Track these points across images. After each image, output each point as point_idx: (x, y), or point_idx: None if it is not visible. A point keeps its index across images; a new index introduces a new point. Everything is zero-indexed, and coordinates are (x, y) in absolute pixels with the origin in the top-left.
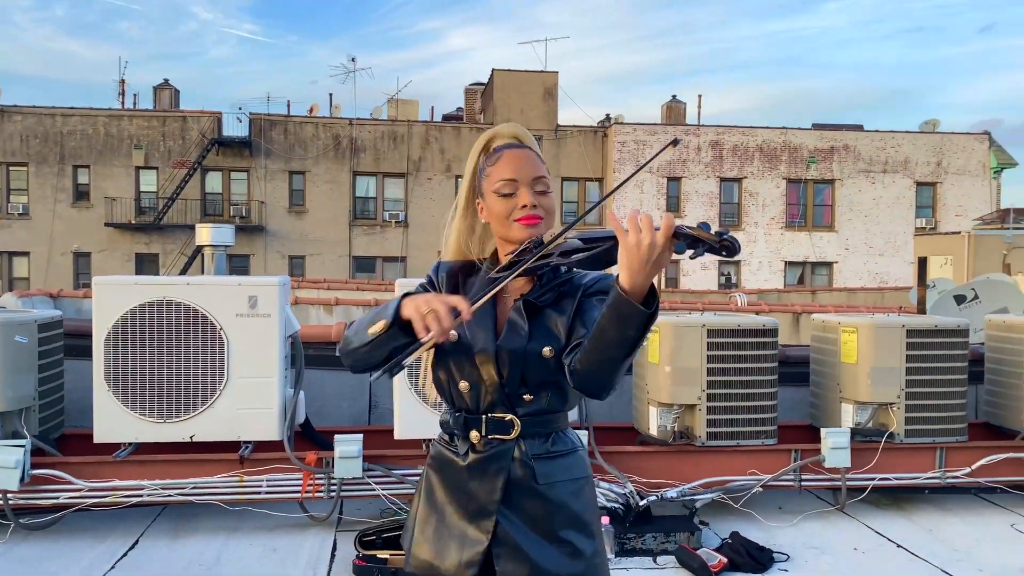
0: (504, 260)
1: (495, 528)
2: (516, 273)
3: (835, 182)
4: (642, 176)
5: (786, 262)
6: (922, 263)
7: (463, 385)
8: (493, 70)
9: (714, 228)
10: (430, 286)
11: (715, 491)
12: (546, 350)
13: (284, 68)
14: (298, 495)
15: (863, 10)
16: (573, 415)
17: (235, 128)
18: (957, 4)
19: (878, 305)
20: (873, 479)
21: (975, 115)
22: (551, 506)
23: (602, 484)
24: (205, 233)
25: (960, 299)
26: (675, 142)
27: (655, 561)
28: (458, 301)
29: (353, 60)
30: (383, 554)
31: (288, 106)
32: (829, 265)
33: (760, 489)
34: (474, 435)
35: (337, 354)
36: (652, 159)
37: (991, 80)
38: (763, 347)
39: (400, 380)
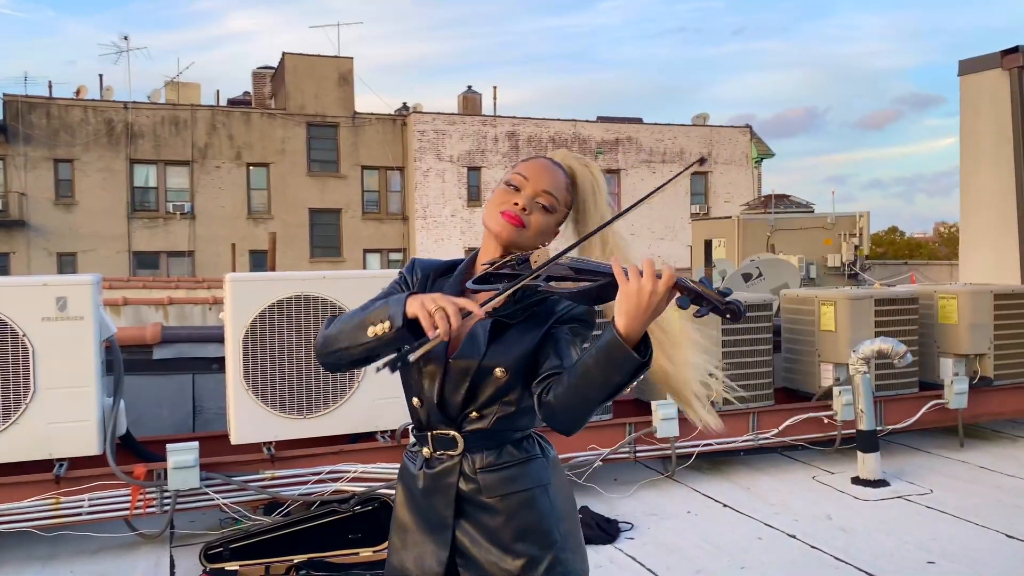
0: (481, 269)
1: (453, 540)
2: (513, 288)
3: (620, 172)
4: (443, 166)
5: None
6: (708, 245)
7: (415, 401)
8: (284, 53)
9: (715, 286)
10: (404, 284)
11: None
12: (499, 370)
13: (40, 46)
14: (126, 512)
15: (635, 8)
16: None
17: None
18: (714, 7)
19: None
20: (698, 446)
21: (733, 110)
22: (502, 518)
23: None
24: None
25: (747, 277)
26: (702, 161)
27: None
28: (467, 303)
29: (126, 39)
30: (232, 566)
31: (50, 87)
32: None
33: (600, 463)
34: (426, 450)
35: (314, 353)
36: (680, 175)
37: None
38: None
39: (234, 381)
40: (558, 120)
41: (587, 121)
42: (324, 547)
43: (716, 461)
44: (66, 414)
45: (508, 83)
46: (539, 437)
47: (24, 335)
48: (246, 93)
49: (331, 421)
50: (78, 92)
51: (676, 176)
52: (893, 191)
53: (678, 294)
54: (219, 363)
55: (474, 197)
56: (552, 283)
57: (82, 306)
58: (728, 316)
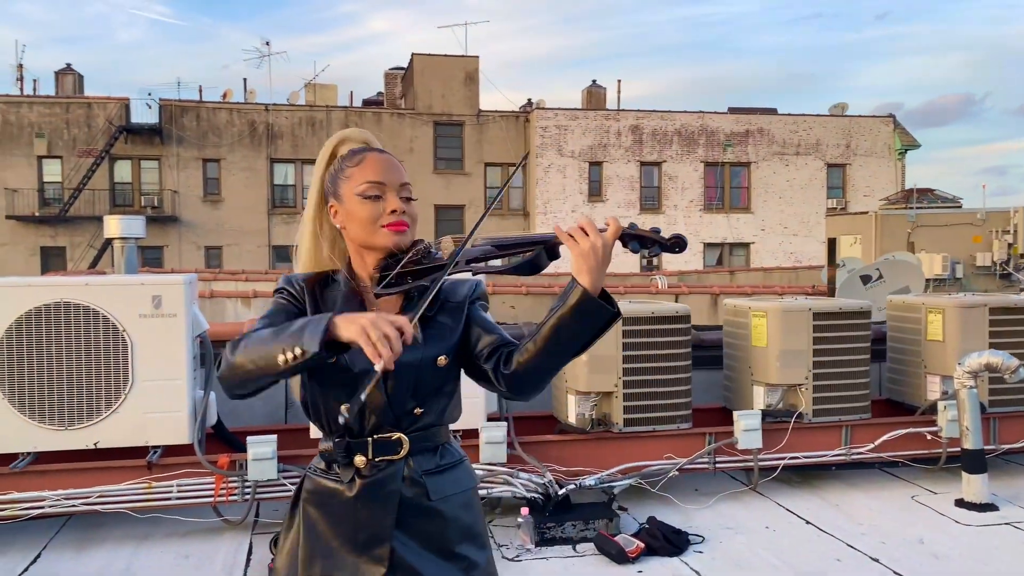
0: (367, 270)
1: (392, 554)
2: (443, 280)
3: (751, 165)
4: (565, 161)
5: (705, 243)
6: (831, 243)
7: (344, 407)
8: (413, 54)
9: (659, 231)
10: (292, 299)
11: (632, 477)
12: (441, 359)
13: (196, 52)
14: (211, 499)
15: None
16: (493, 406)
17: (144, 115)
18: None
19: (792, 284)
20: (784, 458)
21: (876, 99)
22: (444, 521)
23: (521, 475)
24: (114, 225)
25: (866, 279)
26: (524, 157)
27: (575, 549)
28: (402, 322)
29: (268, 44)
30: None
31: (200, 91)
32: (747, 246)
33: (676, 473)
34: (359, 460)
35: (218, 377)
36: (512, 174)
37: (889, 65)
38: (676, 333)
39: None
40: (684, 112)
41: (716, 112)
42: None
43: (807, 475)
44: (160, 404)
45: (637, 76)
46: (456, 442)
47: (124, 330)
48: (379, 94)
49: (95, 433)
50: (225, 96)
51: (508, 179)
52: None
53: (625, 245)
54: None
55: (595, 192)
56: (475, 265)
57: (175, 304)
58: (676, 249)
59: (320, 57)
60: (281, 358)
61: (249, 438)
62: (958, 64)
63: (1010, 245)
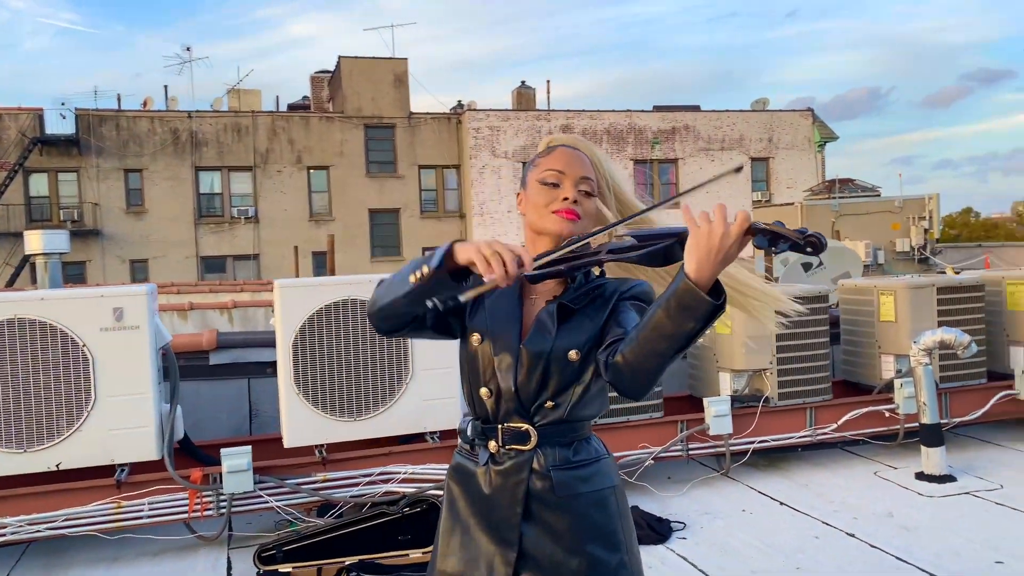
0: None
1: (520, 541)
2: (577, 263)
3: (678, 161)
4: (499, 162)
5: None
6: None
7: (483, 391)
8: (340, 57)
9: (790, 227)
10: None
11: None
12: (572, 352)
13: (111, 60)
14: (184, 515)
15: None
16: None
17: (59, 125)
18: None
19: None
20: (753, 442)
21: (790, 94)
22: (572, 519)
23: None
24: (36, 241)
25: (807, 266)
26: (739, 169)
27: None
28: (521, 251)
29: (188, 50)
30: (285, 568)
31: (119, 100)
32: None
33: (652, 461)
34: (492, 445)
35: (367, 315)
36: (717, 178)
37: (803, 61)
38: None
39: (285, 385)
40: (612, 111)
41: (643, 111)
42: (374, 549)
43: (773, 458)
44: (126, 421)
45: (564, 77)
46: (598, 440)
47: (84, 345)
48: (305, 98)
49: (380, 423)
50: (145, 104)
51: (711, 180)
52: (965, 171)
53: (751, 238)
54: (274, 367)
55: None
56: (615, 255)
57: (138, 316)
58: (809, 250)
59: (241, 63)
60: (412, 277)
61: (223, 450)
62: (865, 59)
63: (926, 231)
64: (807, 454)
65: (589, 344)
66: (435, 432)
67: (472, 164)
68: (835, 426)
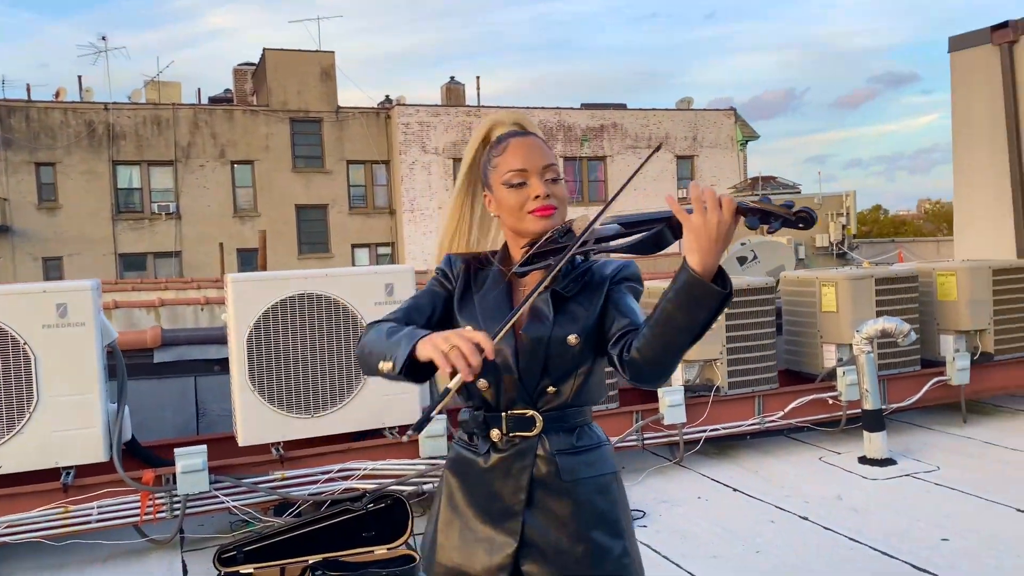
0: (520, 253)
1: (522, 529)
2: (557, 265)
3: (606, 158)
4: (429, 158)
5: None
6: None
7: (482, 383)
8: (264, 50)
9: (776, 202)
10: (445, 280)
11: None
12: (571, 337)
13: (18, 49)
14: (135, 518)
15: None
16: (427, 400)
17: None
18: None
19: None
20: (705, 431)
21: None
22: (576, 505)
23: None
24: None
25: (742, 260)
26: (658, 148)
27: None
28: (481, 338)
29: (104, 39)
30: (246, 569)
31: (28, 90)
32: None
33: None
34: (495, 433)
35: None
36: (644, 163)
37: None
38: None
39: (239, 382)
40: (542, 108)
41: (572, 108)
42: (338, 546)
43: (723, 446)
44: (71, 422)
45: (492, 73)
46: (599, 427)
47: (25, 343)
48: (227, 91)
49: (339, 419)
50: (57, 94)
51: (641, 164)
52: (873, 170)
53: (742, 218)
54: (221, 364)
55: None
56: (603, 244)
57: (83, 312)
58: (801, 225)
59: (161, 54)
60: (382, 365)
61: (177, 450)
62: (780, 61)
63: (844, 227)
64: (755, 441)
65: (589, 329)
66: (394, 427)
67: (402, 160)
68: (782, 414)
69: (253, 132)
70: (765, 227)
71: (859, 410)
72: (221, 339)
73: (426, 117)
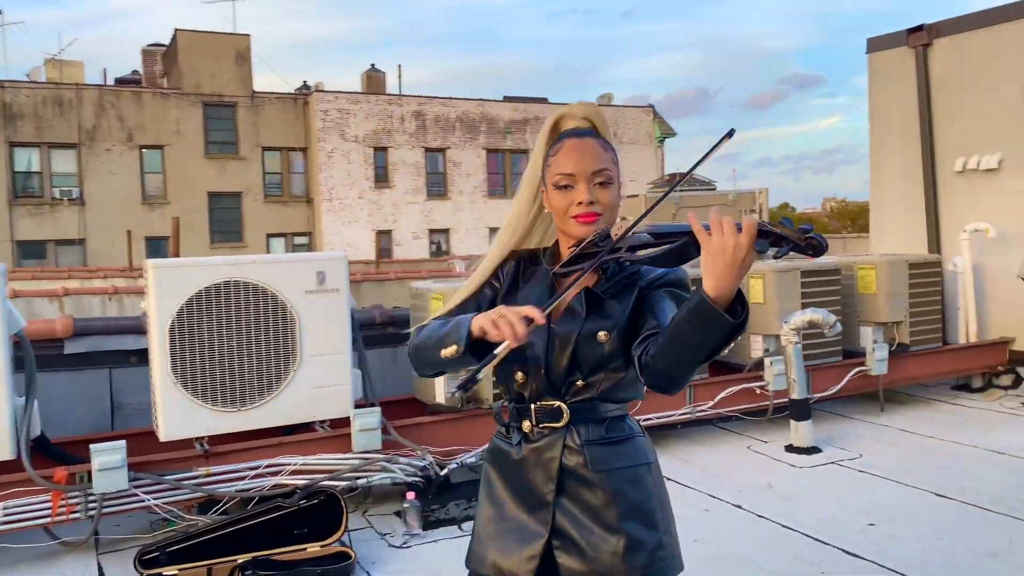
0: (566, 254)
1: (553, 519)
2: (586, 270)
3: (529, 152)
4: (348, 146)
5: (490, 228)
6: None
7: (519, 375)
8: (176, 30)
9: (796, 225)
10: (494, 277)
11: None
12: (601, 334)
13: None
14: (47, 519)
15: None
16: (359, 392)
17: None
18: None
19: None
20: (638, 420)
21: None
22: (607, 495)
23: (400, 460)
24: None
25: None
26: (731, 133)
27: (461, 528)
28: (529, 310)
29: (0, 12)
30: (170, 570)
31: None
32: None
33: None
34: (526, 425)
35: (408, 357)
36: (713, 149)
37: (640, 60)
38: None
39: (161, 374)
40: (465, 100)
41: (494, 101)
42: (269, 544)
43: (654, 435)
44: None
45: (413, 63)
46: (632, 419)
47: None
48: (135, 72)
49: (267, 412)
50: None
51: (713, 148)
52: (781, 168)
53: (758, 240)
54: (139, 355)
55: (381, 178)
56: (636, 252)
57: None
58: (810, 252)
59: (62, 31)
60: (445, 352)
61: (93, 446)
62: (695, 61)
63: None
64: (685, 431)
65: (619, 327)
66: (325, 421)
67: (321, 147)
68: (712, 403)
69: (163, 116)
70: (775, 251)
71: (786, 399)
72: (139, 329)
73: (346, 104)
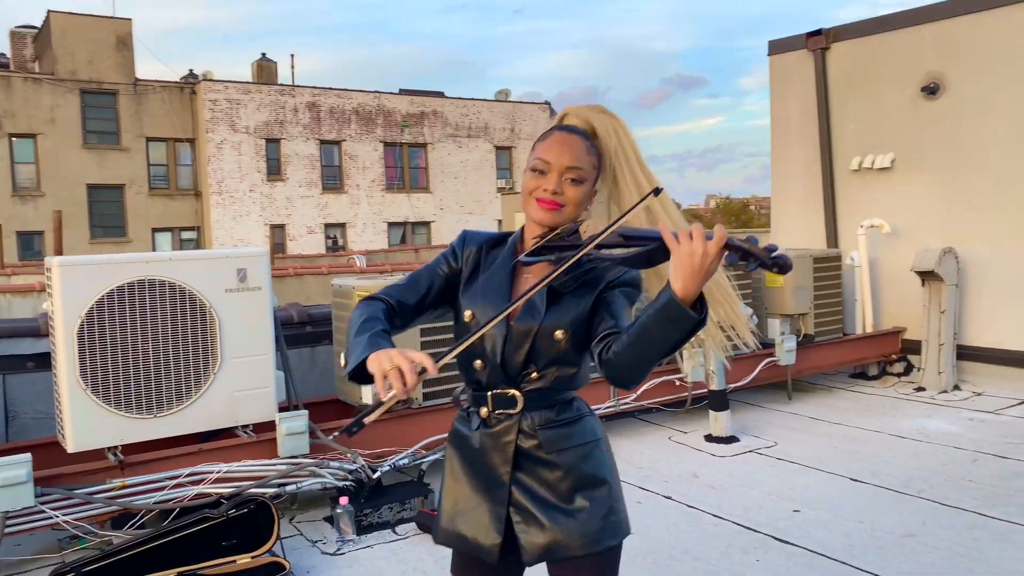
0: (530, 243)
1: (510, 496)
2: (560, 270)
3: (427, 146)
4: (239, 138)
5: (388, 223)
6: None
7: (477, 363)
8: (49, 12)
9: (761, 244)
10: (452, 258)
11: (439, 450)
12: (558, 332)
13: None
14: None
15: None
16: (282, 395)
17: None
18: None
19: None
20: None
21: (523, 87)
22: (561, 471)
23: (331, 464)
24: None
25: None
26: (657, 191)
27: (395, 532)
28: (424, 359)
29: None
30: None
31: None
32: (427, 224)
33: None
34: (484, 411)
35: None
36: (637, 204)
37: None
38: None
39: (68, 380)
40: (361, 91)
41: (391, 93)
42: (196, 558)
43: None
44: None
45: (305, 52)
46: (581, 400)
47: None
48: (2, 55)
49: (186, 418)
50: None
51: (637, 204)
52: (667, 166)
53: (727, 252)
54: (36, 360)
55: (274, 171)
56: (604, 251)
57: None
58: (775, 270)
59: None
60: (343, 361)
61: None
62: (585, 60)
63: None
64: (608, 424)
65: (576, 325)
66: (249, 425)
67: (209, 139)
68: (634, 396)
69: (36, 103)
70: (744, 264)
71: (704, 391)
72: (36, 331)
73: (236, 94)
